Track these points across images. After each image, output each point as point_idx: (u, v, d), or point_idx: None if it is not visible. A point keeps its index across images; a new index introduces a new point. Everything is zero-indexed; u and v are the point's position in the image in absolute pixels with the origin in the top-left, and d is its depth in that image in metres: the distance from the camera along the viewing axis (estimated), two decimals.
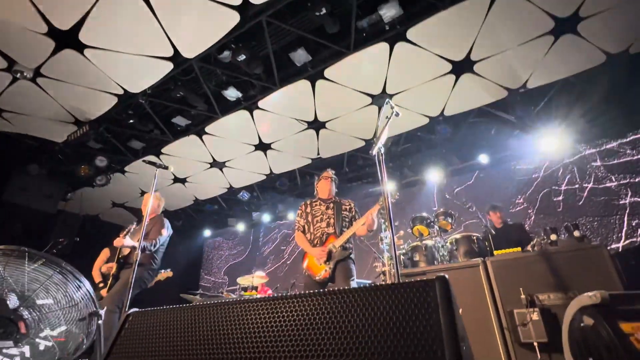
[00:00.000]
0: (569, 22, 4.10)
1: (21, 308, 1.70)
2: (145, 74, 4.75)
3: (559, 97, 5.34)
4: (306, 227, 3.30)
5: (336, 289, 0.92)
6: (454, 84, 5.07)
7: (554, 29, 4.19)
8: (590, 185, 5.61)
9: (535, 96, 5.39)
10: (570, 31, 4.21)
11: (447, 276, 0.79)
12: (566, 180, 5.85)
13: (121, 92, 5.01)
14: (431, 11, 4.00)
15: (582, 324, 1.57)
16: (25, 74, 4.57)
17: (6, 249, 1.71)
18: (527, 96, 5.34)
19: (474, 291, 3.15)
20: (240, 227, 9.10)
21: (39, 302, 1.73)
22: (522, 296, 2.89)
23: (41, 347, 1.76)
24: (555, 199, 5.87)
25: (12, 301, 1.67)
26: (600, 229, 5.34)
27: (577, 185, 5.73)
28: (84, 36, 4.11)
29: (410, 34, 4.26)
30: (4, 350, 1.68)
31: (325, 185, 3.38)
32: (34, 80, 4.74)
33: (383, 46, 4.44)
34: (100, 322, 1.78)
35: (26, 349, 1.73)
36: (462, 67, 4.77)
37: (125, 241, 3.41)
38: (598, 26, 4.13)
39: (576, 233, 3.11)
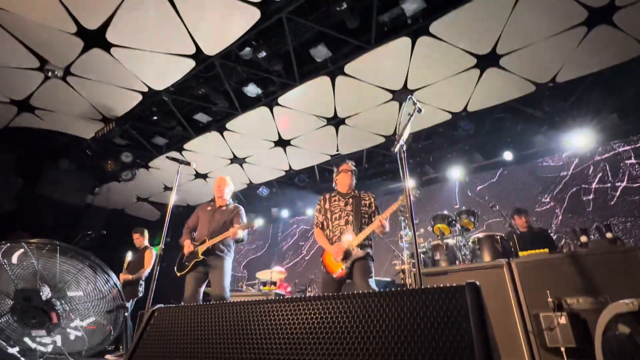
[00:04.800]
0: (603, 12, 3.88)
1: (53, 299, 1.78)
2: (168, 72, 4.84)
3: (591, 92, 5.08)
4: (325, 223, 3.26)
5: (361, 292, 0.91)
6: (478, 78, 4.91)
7: (587, 20, 3.98)
8: (623, 184, 5.34)
9: (565, 91, 5.15)
10: (605, 22, 3.99)
11: (478, 283, 0.76)
12: (597, 178, 5.59)
13: (146, 89, 5.14)
14: (455, 3, 3.88)
15: (617, 332, 1.49)
16: (56, 73, 4.76)
17: (39, 242, 1.79)
18: (556, 91, 5.11)
19: (497, 293, 3.07)
20: (260, 222, 9.20)
21: (69, 294, 1.80)
22: (549, 299, 2.79)
23: (72, 337, 1.84)
24: (584, 198, 5.61)
25: (45, 292, 1.75)
26: (634, 230, 5.08)
27: (609, 184, 5.46)
28: (110, 35, 4.23)
29: (433, 27, 4.15)
30: (38, 339, 1.76)
31: (345, 179, 3.27)
32: (65, 79, 4.92)
33: (405, 41, 4.34)
34: (127, 314, 1.84)
35: (58, 338, 1.81)
36: (487, 61, 4.61)
37: (239, 233, 3.41)
38: (636, 16, 3.90)
39: (608, 234, 2.96)
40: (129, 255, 5.24)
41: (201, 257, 3.38)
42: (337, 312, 0.89)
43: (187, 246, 3.51)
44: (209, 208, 3.79)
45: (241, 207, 3.83)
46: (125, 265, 5.10)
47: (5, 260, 1.68)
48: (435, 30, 4.19)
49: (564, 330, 2.63)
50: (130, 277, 4.86)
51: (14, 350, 1.63)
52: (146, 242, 5.40)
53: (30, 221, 6.77)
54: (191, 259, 3.41)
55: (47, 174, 6.83)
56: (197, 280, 3.41)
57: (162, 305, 1.27)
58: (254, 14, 4.01)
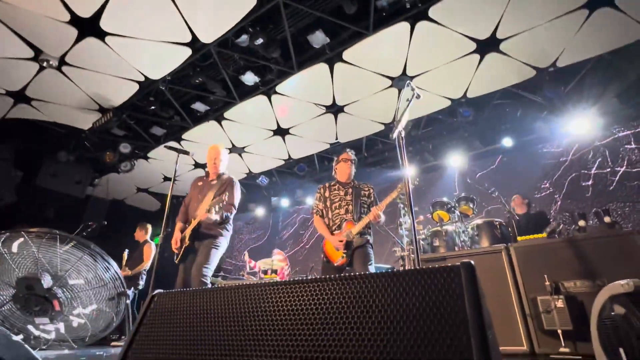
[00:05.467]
0: None
1: (55, 287, 1.80)
2: (164, 61, 4.79)
3: (592, 76, 5.03)
4: (324, 211, 3.28)
5: (358, 273, 0.91)
6: (478, 64, 4.86)
7: (588, 3, 3.91)
8: (622, 169, 5.34)
9: (566, 75, 5.11)
10: (607, 4, 3.92)
11: (472, 262, 0.77)
12: (597, 163, 5.58)
13: (142, 78, 5.09)
14: None
15: (612, 313, 1.51)
16: (51, 63, 4.70)
17: (39, 231, 1.80)
18: (556, 75, 5.06)
19: (496, 277, 3.10)
20: (260, 211, 9.23)
21: (71, 282, 1.82)
22: (547, 283, 2.82)
23: (74, 324, 1.87)
24: (584, 184, 5.62)
25: (46, 281, 1.76)
26: (633, 215, 5.10)
27: (608, 169, 5.46)
28: (105, 23, 4.17)
29: (433, 12, 4.08)
30: (41, 326, 1.79)
31: (344, 168, 3.28)
32: (60, 69, 4.87)
33: (404, 26, 4.28)
34: (128, 301, 1.86)
35: (61, 326, 1.83)
36: (487, 46, 4.56)
37: (211, 216, 2.93)
38: None
39: (607, 219, 2.98)
40: (126, 254, 5.21)
41: (187, 242, 3.03)
42: (335, 294, 0.90)
43: (175, 237, 3.11)
44: (200, 183, 3.38)
45: (234, 179, 3.36)
46: (123, 262, 5.08)
47: (6, 250, 1.69)
48: (434, 15, 4.12)
49: (561, 313, 2.67)
50: (129, 272, 4.87)
51: (17, 338, 1.65)
52: (147, 237, 5.43)
53: (31, 214, 6.79)
54: (181, 246, 3.08)
55: (46, 166, 6.82)
56: (186, 270, 3.04)
57: (162, 290, 1.29)
58: (251, 0, 3.94)
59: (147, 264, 5.10)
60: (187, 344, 1.04)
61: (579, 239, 2.90)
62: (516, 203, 4.85)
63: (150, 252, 5.19)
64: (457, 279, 0.74)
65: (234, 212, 3.23)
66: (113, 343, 4.72)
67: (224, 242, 3.16)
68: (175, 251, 3.12)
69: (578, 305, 2.70)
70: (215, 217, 2.95)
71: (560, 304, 2.69)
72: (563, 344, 2.64)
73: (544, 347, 2.73)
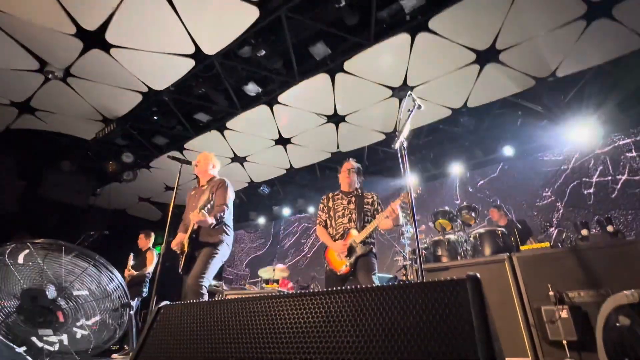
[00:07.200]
0: (603, 5, 3.87)
1: (59, 298, 1.80)
2: (168, 72, 4.85)
3: (591, 86, 5.08)
4: (328, 221, 3.28)
5: (364, 286, 0.92)
6: (478, 74, 4.91)
7: (586, 14, 3.97)
8: (624, 177, 5.34)
9: (566, 85, 5.15)
10: (604, 15, 3.98)
11: (478, 275, 0.78)
12: (598, 171, 5.59)
13: (146, 89, 5.15)
14: None
15: (617, 324, 1.50)
16: (56, 74, 4.77)
17: (44, 242, 1.81)
18: (556, 85, 5.10)
19: (499, 287, 3.08)
20: (261, 220, 9.23)
21: (75, 293, 1.82)
22: (551, 293, 2.80)
23: (78, 336, 1.86)
24: (585, 192, 5.62)
25: (51, 292, 1.77)
26: (635, 223, 5.09)
27: (609, 177, 5.46)
28: (109, 36, 4.24)
29: (433, 23, 4.15)
30: (45, 338, 1.79)
31: (345, 177, 3.31)
32: (65, 80, 4.93)
33: (404, 37, 4.34)
34: (131, 312, 1.85)
35: (64, 337, 1.83)
36: (486, 56, 4.61)
37: (207, 219, 2.85)
38: (635, 9, 3.89)
39: (609, 227, 2.98)
40: (131, 257, 5.33)
41: (187, 249, 2.97)
42: (341, 307, 0.90)
43: (176, 238, 3.07)
44: (193, 192, 3.38)
45: (224, 180, 3.27)
46: (128, 265, 5.20)
47: (12, 261, 1.70)
48: (434, 26, 4.19)
49: (566, 324, 2.64)
50: (134, 273, 4.99)
51: (21, 350, 1.65)
52: (150, 245, 5.49)
53: (33, 223, 6.79)
54: (182, 255, 3.03)
55: (49, 175, 6.85)
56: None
57: (168, 303, 1.29)
58: (253, 13, 4.01)
59: (150, 268, 5.20)
60: (194, 357, 1.04)
61: (582, 248, 2.89)
62: (494, 218, 4.83)
63: (153, 257, 5.31)
64: (463, 292, 0.75)
65: (227, 210, 3.14)
66: (114, 355, 4.68)
67: (224, 248, 3.09)
68: (177, 250, 3.07)
69: (582, 315, 2.68)
70: (209, 219, 2.88)
71: (564, 314, 2.67)
72: (568, 355, 2.61)
73: (548, 358, 2.71)
